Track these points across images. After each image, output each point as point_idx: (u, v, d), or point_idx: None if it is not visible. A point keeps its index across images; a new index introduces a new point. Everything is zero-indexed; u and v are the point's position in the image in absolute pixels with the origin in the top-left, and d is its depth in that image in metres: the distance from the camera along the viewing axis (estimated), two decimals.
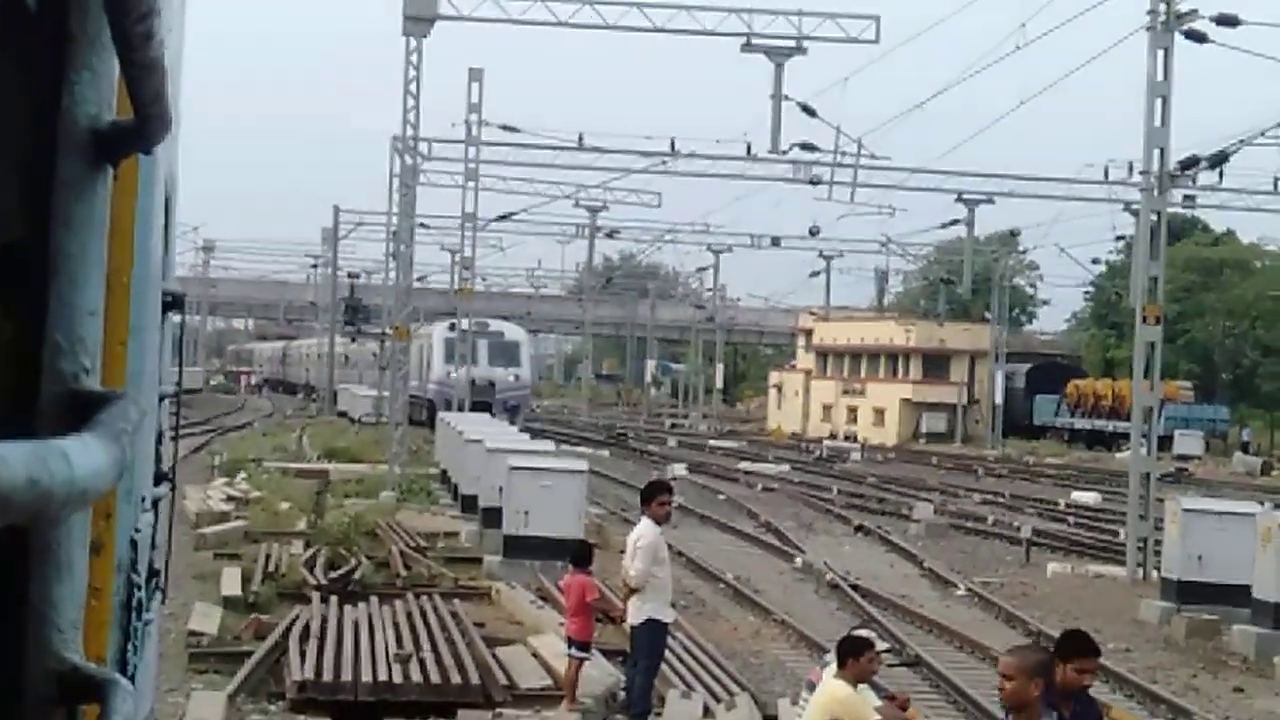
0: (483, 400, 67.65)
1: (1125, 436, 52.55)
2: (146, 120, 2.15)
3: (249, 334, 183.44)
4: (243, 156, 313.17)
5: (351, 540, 30.84)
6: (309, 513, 35.48)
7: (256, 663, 19.47)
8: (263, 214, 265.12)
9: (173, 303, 4.92)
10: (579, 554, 18.68)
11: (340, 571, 27.25)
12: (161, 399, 4.90)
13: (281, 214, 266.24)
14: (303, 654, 19.60)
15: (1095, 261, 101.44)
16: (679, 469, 57.38)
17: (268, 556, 28.20)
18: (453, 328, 71.31)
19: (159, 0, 1.92)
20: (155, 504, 4.63)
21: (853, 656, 11.67)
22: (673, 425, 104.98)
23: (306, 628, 21.26)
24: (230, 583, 25.17)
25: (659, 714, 17.84)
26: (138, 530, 3.67)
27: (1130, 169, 55.95)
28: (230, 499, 38.03)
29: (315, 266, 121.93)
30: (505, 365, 74.69)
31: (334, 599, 23.82)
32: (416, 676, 18.80)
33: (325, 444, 57.79)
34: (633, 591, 16.95)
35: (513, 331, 78.47)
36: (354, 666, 19.01)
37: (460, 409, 60.62)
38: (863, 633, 13.04)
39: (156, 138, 2.33)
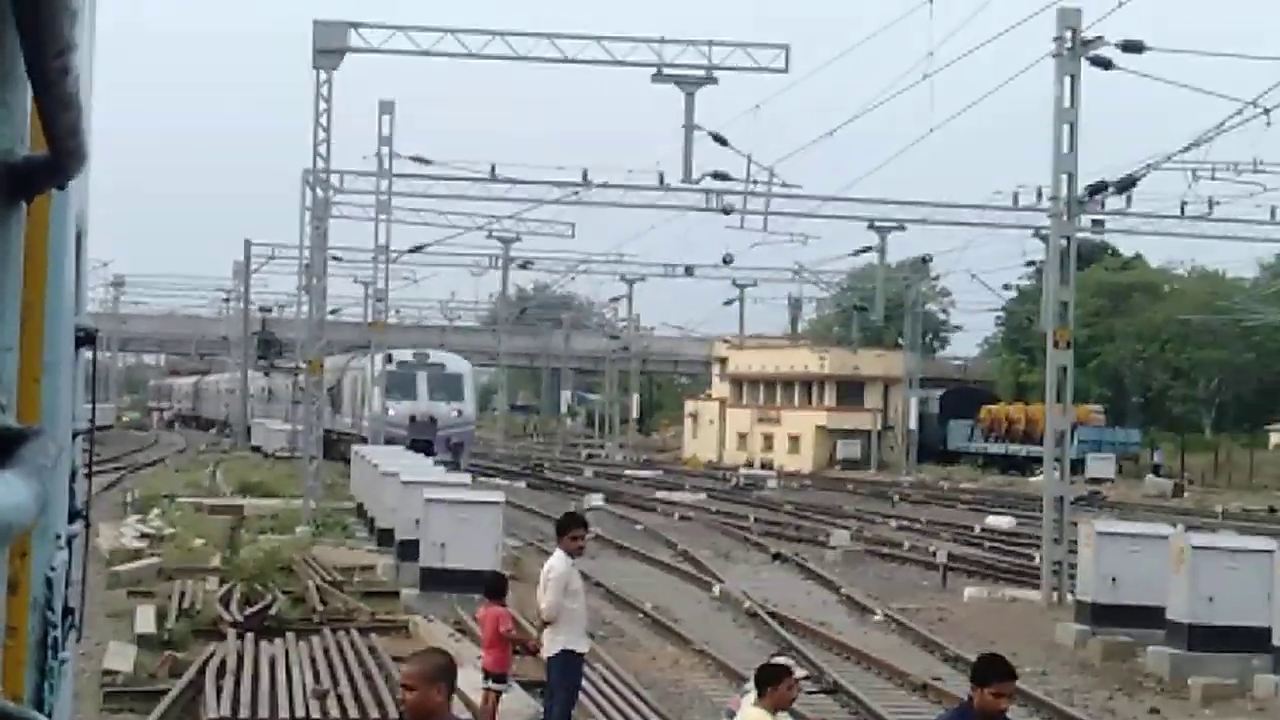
0: (423, 438, 63.62)
1: (1039, 460, 52.90)
2: (62, 155, 2.14)
3: (161, 369, 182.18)
4: (152, 190, 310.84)
5: (267, 576, 30.63)
6: (223, 549, 35.22)
7: (172, 701, 19.30)
8: (173, 248, 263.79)
9: (85, 338, 4.89)
10: (493, 586, 18.61)
11: (256, 607, 27.06)
12: (75, 435, 4.86)
13: (192, 248, 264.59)
14: (219, 691, 19.45)
15: (1006, 287, 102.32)
16: (596, 499, 57.35)
17: (182, 593, 27.95)
18: (390, 359, 66.64)
19: (73, 35, 1.91)
20: (70, 541, 4.59)
21: (771, 684, 11.68)
22: (589, 455, 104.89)
23: (222, 665, 21.10)
24: (145, 620, 24.93)
25: None
26: (53, 568, 3.65)
27: (1039, 195, 56.38)
28: (144, 536, 37.69)
29: (227, 300, 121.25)
30: (447, 399, 69.20)
31: (250, 635, 23.65)
32: (335, 712, 18.70)
33: (239, 479, 57.39)
34: (545, 624, 16.93)
35: (455, 363, 73.21)
36: (271, 703, 18.88)
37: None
38: (780, 660, 13.08)
39: (72, 173, 2.32)
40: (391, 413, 63.05)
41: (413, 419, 65.60)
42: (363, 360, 70.80)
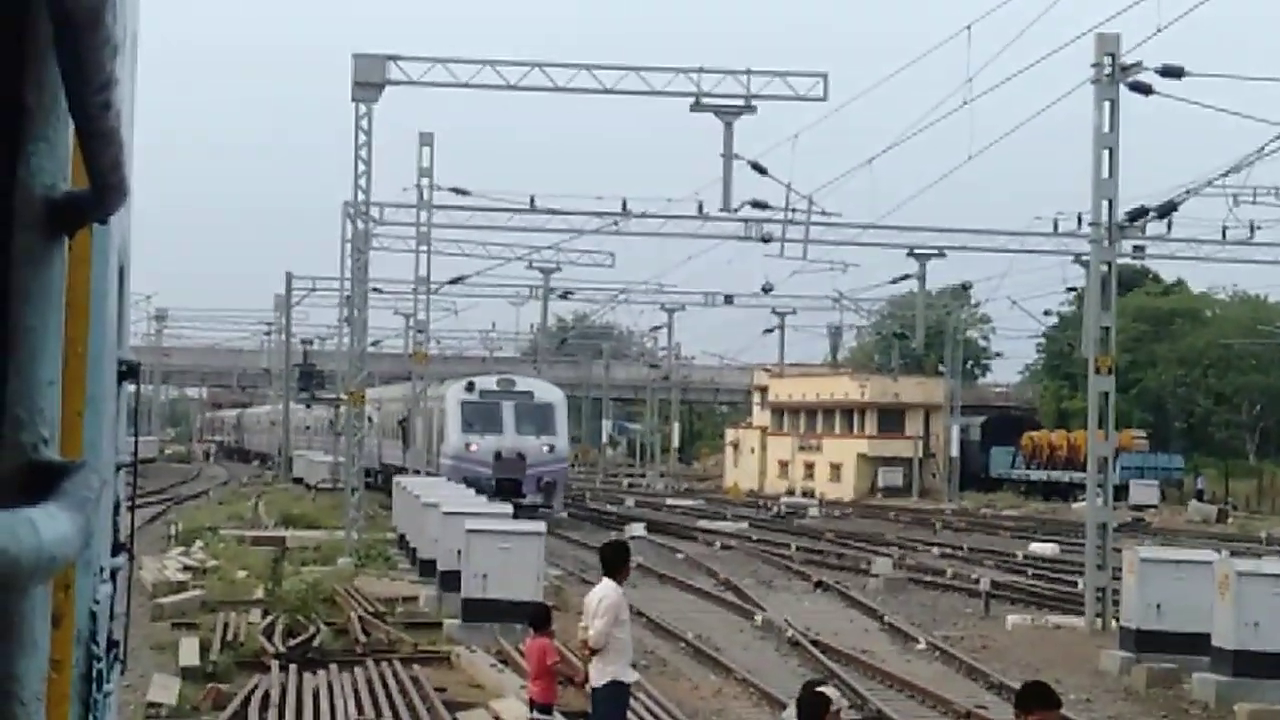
0: (510, 478, 57.47)
1: (1081, 487, 52.75)
2: (103, 190, 2.15)
3: (203, 402, 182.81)
4: (195, 221, 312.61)
5: (310, 607, 30.69)
6: (266, 580, 35.28)
7: None
8: (215, 282, 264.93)
9: (127, 372, 4.91)
10: (538, 617, 18.59)
11: (299, 639, 27.11)
12: (118, 469, 4.88)
13: (234, 281, 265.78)
14: None
15: (1047, 313, 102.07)
16: (638, 528, 57.29)
17: (225, 625, 28.03)
18: (471, 388, 61.32)
19: (114, 70, 1.92)
20: (113, 575, 4.61)
21: (813, 713, 11.64)
22: (630, 485, 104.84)
23: (266, 696, 21.14)
24: (188, 653, 25.00)
25: None
26: (96, 601, 3.66)
27: (1079, 221, 56.25)
28: (187, 568, 37.81)
29: (269, 333, 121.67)
30: (537, 433, 60.14)
31: (293, 667, 23.69)
32: None
33: (282, 511, 57.55)
34: (593, 652, 16.86)
35: (545, 391, 63.97)
36: None
37: (485, 491, 50.58)
38: (822, 689, 13.02)
39: (113, 207, 2.33)
40: (473, 449, 58.39)
41: (498, 456, 58.39)
42: (439, 389, 64.89)
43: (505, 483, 55.79)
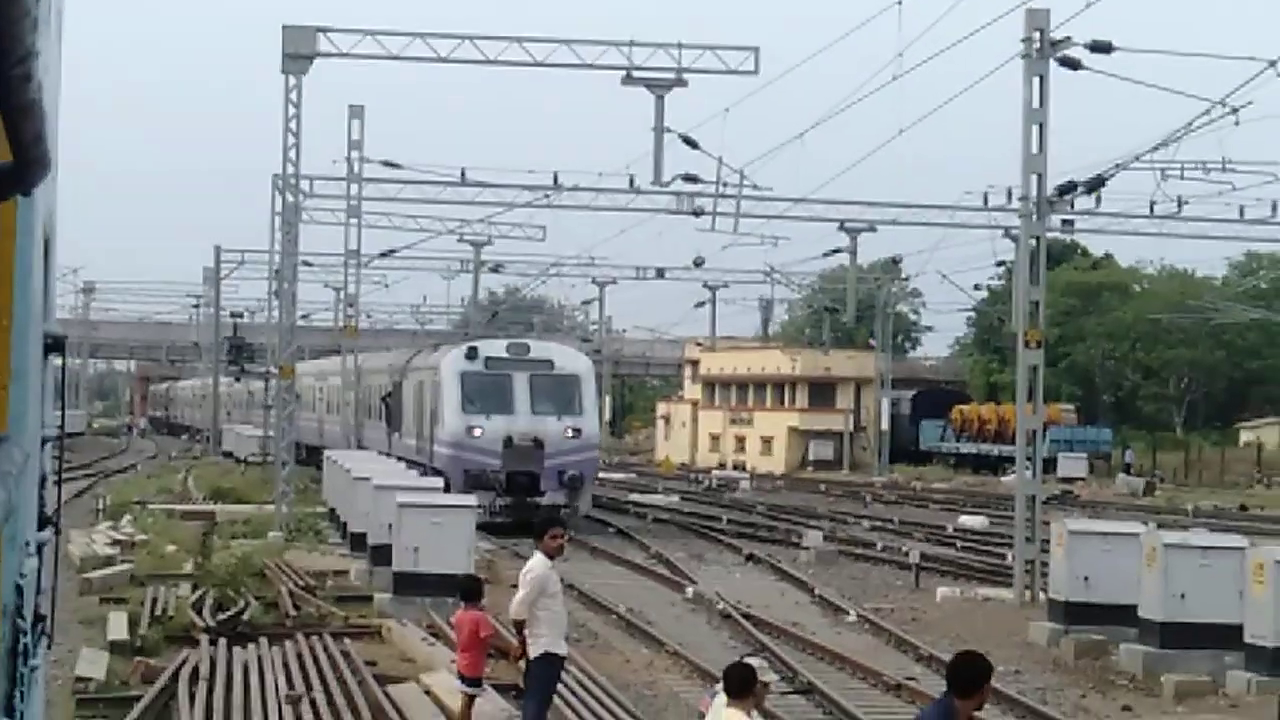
0: (523, 470, 47.25)
1: (1010, 460, 53.01)
2: (26, 163, 2.14)
3: (130, 376, 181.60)
4: (123, 192, 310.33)
5: (239, 581, 30.61)
6: (196, 554, 35.15)
7: (145, 707, 19.24)
8: (144, 255, 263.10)
9: (53, 345, 4.88)
10: (469, 590, 18.59)
11: (229, 613, 27.02)
12: (44, 442, 4.85)
13: (162, 254, 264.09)
14: (192, 697, 19.41)
15: (977, 287, 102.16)
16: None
17: (154, 600, 27.90)
18: (473, 354, 49.52)
19: (35, 42, 1.91)
20: (40, 549, 4.58)
21: (741, 686, 11.70)
22: None
23: (195, 671, 21.06)
24: (117, 627, 24.86)
25: None
26: (22, 575, 3.64)
27: (1009, 195, 56.56)
28: (115, 542, 37.59)
29: (197, 306, 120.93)
30: (558, 413, 48.21)
31: (223, 641, 23.61)
32: (308, 718, 18.66)
33: (211, 485, 57.29)
34: (516, 624, 16.87)
35: (568, 358, 51.08)
36: (244, 709, 18.85)
37: (491, 486, 46.14)
38: (750, 660, 13.06)
39: (36, 180, 2.31)
40: (477, 433, 47.61)
41: (508, 443, 47.26)
42: (434, 357, 53.48)
43: (518, 477, 46.78)
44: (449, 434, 48.07)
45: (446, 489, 37.69)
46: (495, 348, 50.07)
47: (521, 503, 46.35)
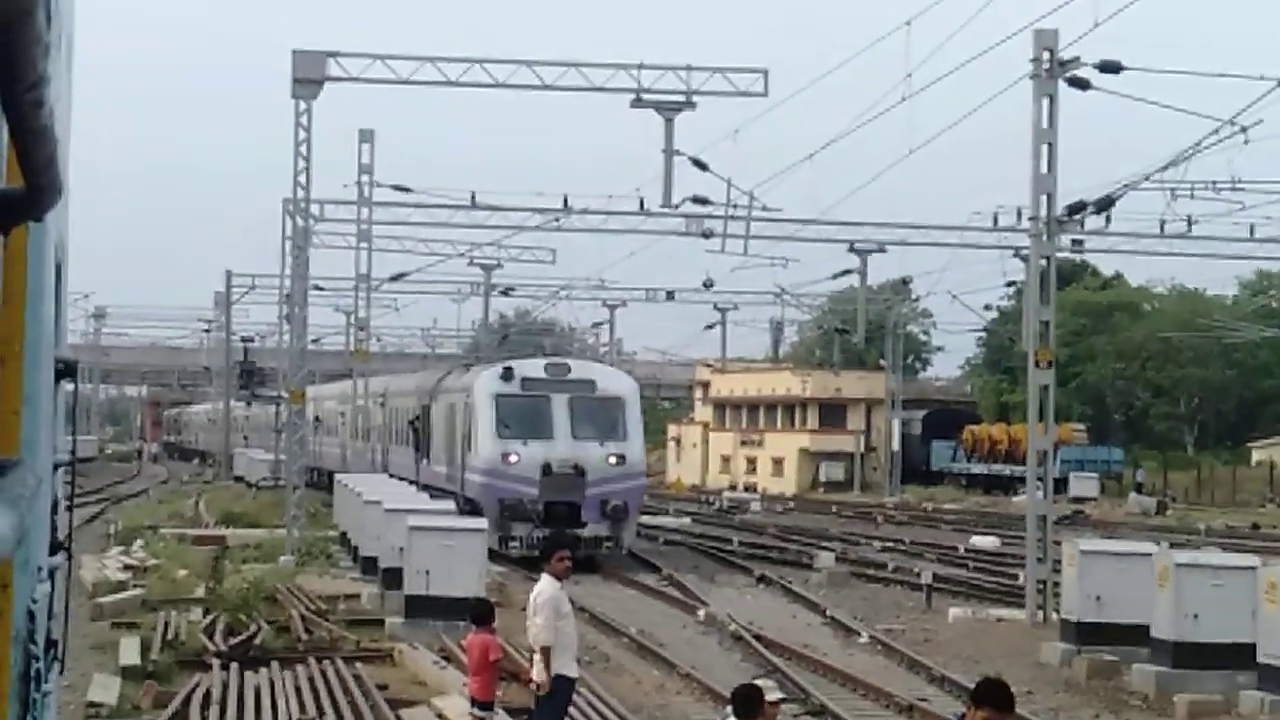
0: (563, 500, 43.83)
1: (1021, 480, 52.96)
2: (38, 189, 2.15)
3: (141, 400, 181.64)
4: (134, 221, 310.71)
5: (251, 605, 30.58)
6: (207, 579, 35.15)
7: None
8: (155, 280, 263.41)
9: (65, 370, 4.89)
10: (479, 613, 18.59)
11: (240, 638, 27.02)
12: (56, 467, 4.86)
13: (173, 279, 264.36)
14: None
15: (987, 308, 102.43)
16: None
17: (166, 624, 27.90)
18: (509, 375, 46.29)
19: (48, 68, 1.91)
20: (52, 574, 4.59)
21: (749, 706, 11.70)
22: None
23: (207, 695, 21.06)
24: (129, 652, 24.88)
25: None
26: (34, 601, 3.64)
27: (1019, 215, 56.47)
28: (127, 567, 37.62)
29: (208, 331, 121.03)
30: (600, 438, 44.84)
31: (234, 665, 23.61)
32: None
33: (223, 509, 57.31)
34: (545, 650, 16.83)
35: (611, 379, 47.69)
36: None
37: (528, 518, 43.28)
38: (758, 682, 13.07)
39: (48, 206, 2.32)
40: (512, 460, 44.28)
41: (546, 471, 43.91)
42: (466, 377, 50.09)
43: (557, 507, 43.43)
44: (483, 461, 44.90)
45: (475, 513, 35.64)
46: (533, 368, 46.98)
47: (561, 535, 44.51)
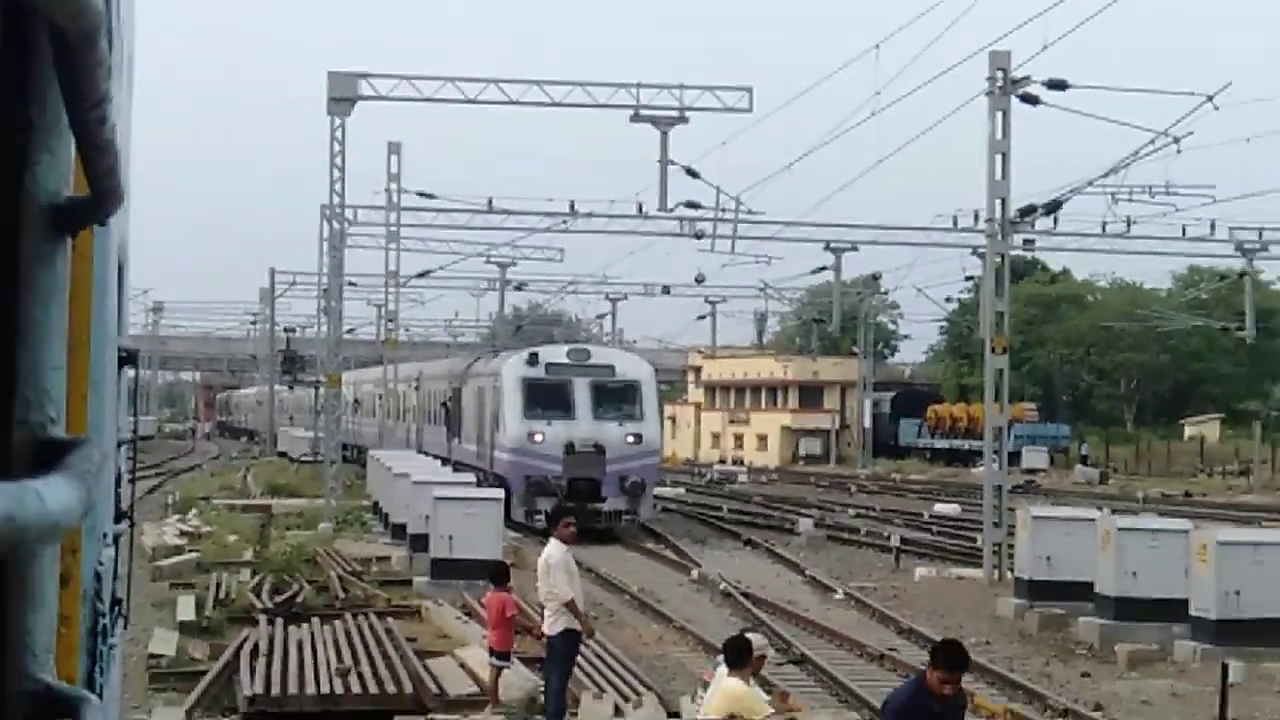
0: (585, 477, 42.77)
1: (980, 454, 52.90)
2: (101, 195, 2.15)
3: (195, 385, 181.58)
4: (189, 221, 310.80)
5: (294, 567, 30.64)
6: (255, 544, 35.16)
7: (211, 680, 19.27)
8: (207, 276, 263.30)
9: (127, 358, 4.88)
10: (497, 573, 18.63)
11: (284, 596, 27.04)
12: (119, 445, 4.86)
13: (223, 276, 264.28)
14: (253, 671, 19.41)
15: (948, 300, 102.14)
16: None
17: (218, 584, 27.91)
18: (534, 360, 45.37)
19: (109, 89, 1.92)
20: (116, 540, 4.59)
21: (739, 657, 11.71)
22: None
23: (255, 647, 21.06)
24: (185, 609, 24.90)
25: (574, 714, 17.79)
26: (101, 564, 3.64)
27: (976, 218, 56.29)
28: (183, 534, 37.61)
29: (255, 323, 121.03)
30: (619, 419, 43.91)
31: (279, 621, 23.61)
32: (356, 688, 18.66)
33: (268, 482, 57.30)
34: (571, 604, 16.79)
35: (629, 364, 46.65)
36: (299, 681, 18.85)
37: (552, 493, 41.30)
38: (749, 635, 13.08)
39: (111, 210, 2.32)
40: (538, 439, 43.28)
41: (569, 449, 43.03)
42: (494, 363, 48.92)
43: (579, 483, 42.36)
44: (510, 440, 43.80)
45: (507, 495, 34.70)
46: (556, 353, 46.33)
47: (583, 509, 42.94)
